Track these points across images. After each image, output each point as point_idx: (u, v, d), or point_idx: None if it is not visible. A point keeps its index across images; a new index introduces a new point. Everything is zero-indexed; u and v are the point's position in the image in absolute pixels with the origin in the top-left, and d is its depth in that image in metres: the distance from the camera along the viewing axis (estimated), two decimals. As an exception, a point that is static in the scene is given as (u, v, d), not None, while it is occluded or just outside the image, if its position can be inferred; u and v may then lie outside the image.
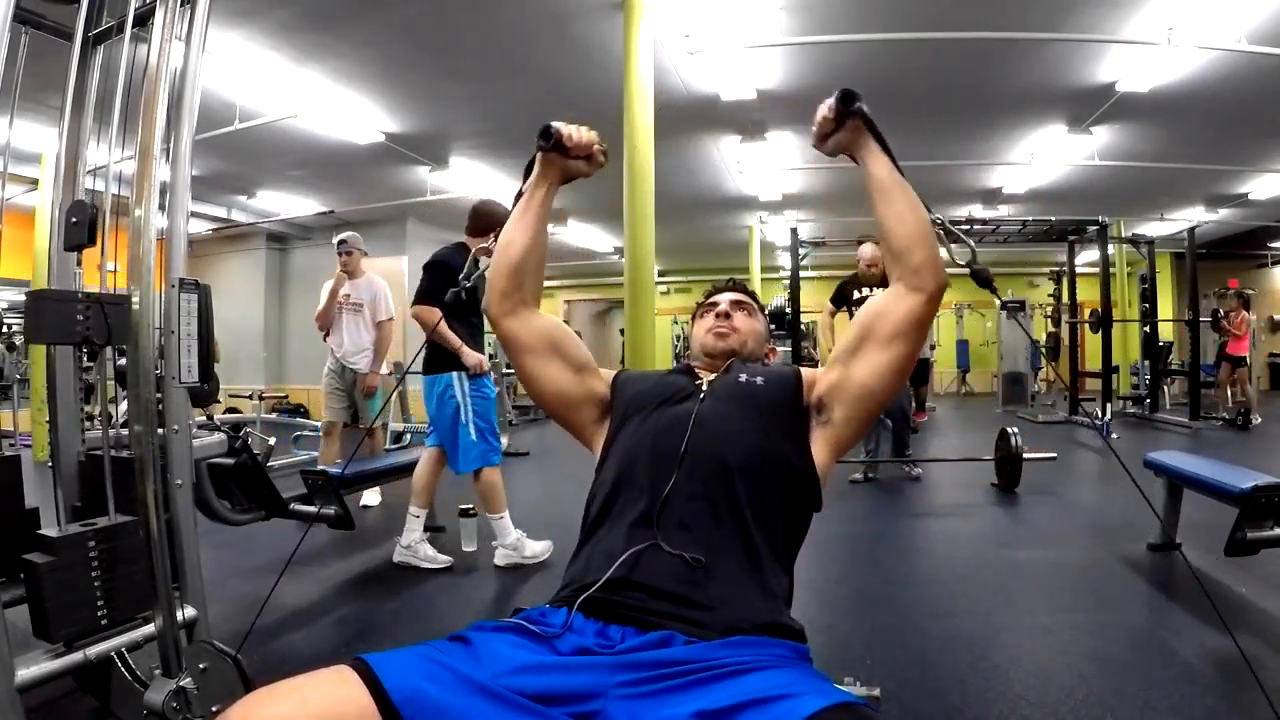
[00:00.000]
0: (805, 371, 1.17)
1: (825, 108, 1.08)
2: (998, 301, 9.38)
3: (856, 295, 4.53)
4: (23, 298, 8.68)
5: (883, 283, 4.35)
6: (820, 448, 1.10)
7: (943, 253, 1.11)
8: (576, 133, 1.16)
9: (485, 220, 2.96)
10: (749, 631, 0.88)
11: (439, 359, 2.93)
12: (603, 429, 1.19)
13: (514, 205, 1.22)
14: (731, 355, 1.26)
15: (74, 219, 1.58)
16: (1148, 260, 8.36)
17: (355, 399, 4.18)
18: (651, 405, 1.14)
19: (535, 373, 1.19)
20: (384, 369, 4.41)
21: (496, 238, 1.31)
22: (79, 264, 1.68)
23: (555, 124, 1.14)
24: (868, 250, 4.56)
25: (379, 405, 4.24)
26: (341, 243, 4.26)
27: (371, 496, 4.13)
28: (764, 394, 1.12)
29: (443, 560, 2.92)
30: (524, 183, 1.22)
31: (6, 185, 1.65)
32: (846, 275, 4.77)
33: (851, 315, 4.55)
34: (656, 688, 0.78)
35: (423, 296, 2.98)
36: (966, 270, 1.19)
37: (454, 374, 2.92)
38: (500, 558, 2.95)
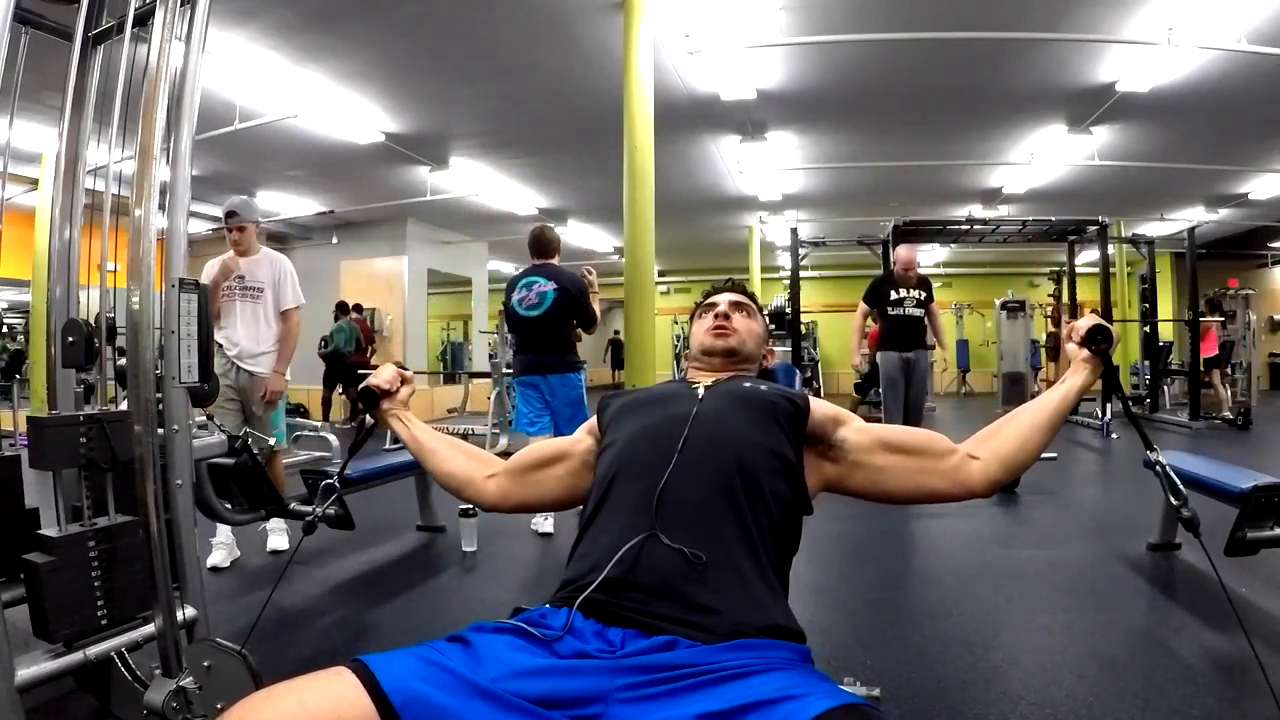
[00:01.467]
0: (819, 401, 1.17)
1: (1083, 324, 1.10)
2: (997, 302, 9.43)
3: (894, 295, 4.52)
4: (23, 298, 8.67)
5: (919, 285, 4.31)
6: (814, 474, 1.12)
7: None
8: (379, 382, 1.32)
9: (551, 246, 3.61)
10: (751, 634, 0.87)
11: (576, 362, 3.59)
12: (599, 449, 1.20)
13: (357, 435, 1.38)
14: (731, 354, 1.26)
15: (70, 339, 1.56)
16: (1148, 260, 8.36)
17: (249, 410, 3.05)
18: (647, 408, 1.14)
19: (548, 498, 1.26)
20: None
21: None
22: (79, 385, 1.69)
23: (368, 384, 1.31)
24: (904, 253, 4.58)
25: (283, 418, 3.39)
26: (230, 215, 3.08)
27: (277, 539, 3.12)
28: (767, 399, 1.12)
29: (546, 527, 3.41)
30: (368, 435, 1.38)
31: (6, 185, 1.65)
32: (878, 275, 4.77)
33: (884, 315, 4.55)
34: (659, 690, 0.78)
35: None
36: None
37: (583, 373, 3.63)
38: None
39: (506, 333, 5.37)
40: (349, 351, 8.30)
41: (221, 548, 2.87)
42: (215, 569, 2.80)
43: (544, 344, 3.49)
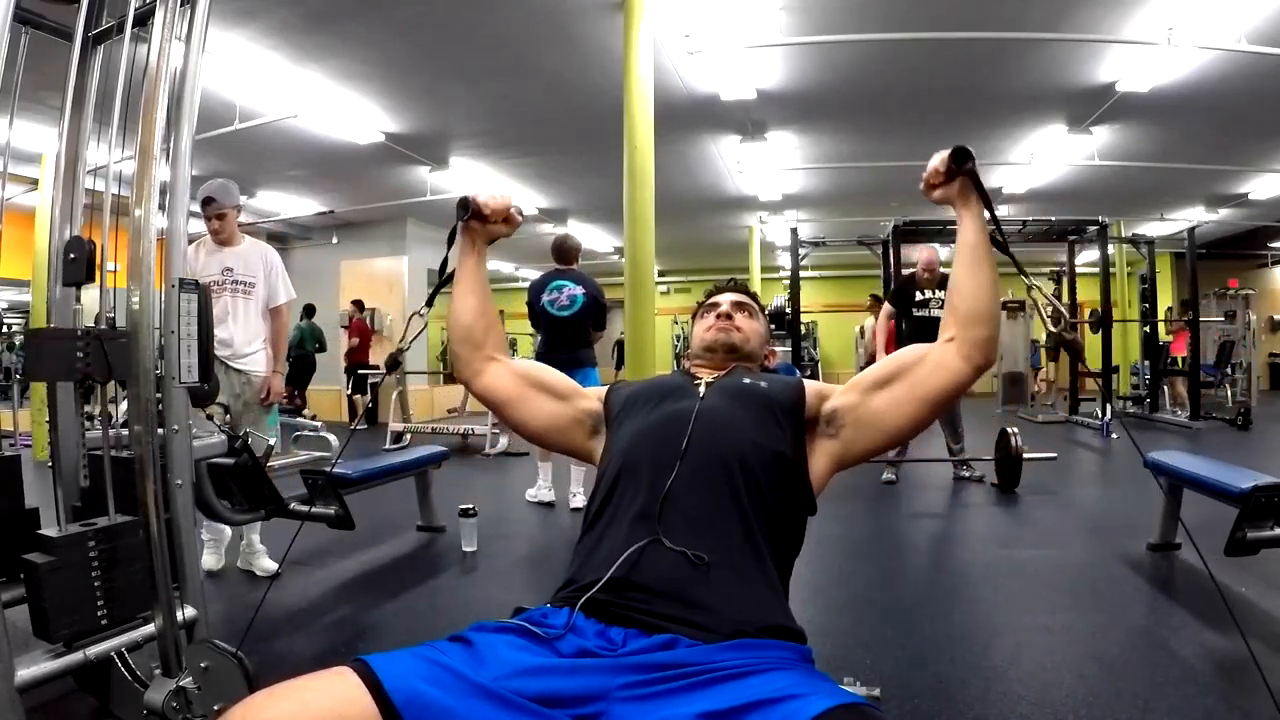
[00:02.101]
0: (810, 383, 1.17)
1: (938, 160, 1.09)
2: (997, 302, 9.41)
3: (919, 297, 4.48)
4: (23, 298, 8.67)
5: (942, 284, 4.26)
6: (821, 459, 1.10)
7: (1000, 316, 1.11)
8: (492, 200, 1.22)
9: (573, 253, 4.02)
10: (753, 634, 0.88)
11: (593, 358, 3.99)
12: (600, 440, 1.20)
13: (442, 274, 1.29)
14: (732, 352, 1.26)
15: (72, 255, 1.57)
16: (1148, 260, 8.37)
17: (238, 411, 2.80)
18: (651, 403, 1.14)
19: (523, 417, 1.23)
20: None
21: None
22: (78, 300, 1.68)
23: (470, 195, 1.21)
24: (925, 254, 4.54)
25: (276, 420, 3.10)
26: (208, 201, 2.77)
27: (265, 561, 2.86)
28: (766, 395, 1.12)
29: (547, 496, 3.95)
30: (449, 251, 1.27)
31: (6, 185, 1.65)
32: (901, 276, 4.73)
33: (908, 318, 4.51)
34: (659, 689, 0.78)
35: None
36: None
37: (595, 368, 3.97)
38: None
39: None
40: (309, 352, 8.83)
41: (213, 550, 2.81)
42: (209, 573, 2.71)
43: (571, 341, 3.87)
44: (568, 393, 1.24)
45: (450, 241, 1.26)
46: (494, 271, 11.95)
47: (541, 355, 3.91)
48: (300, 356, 8.60)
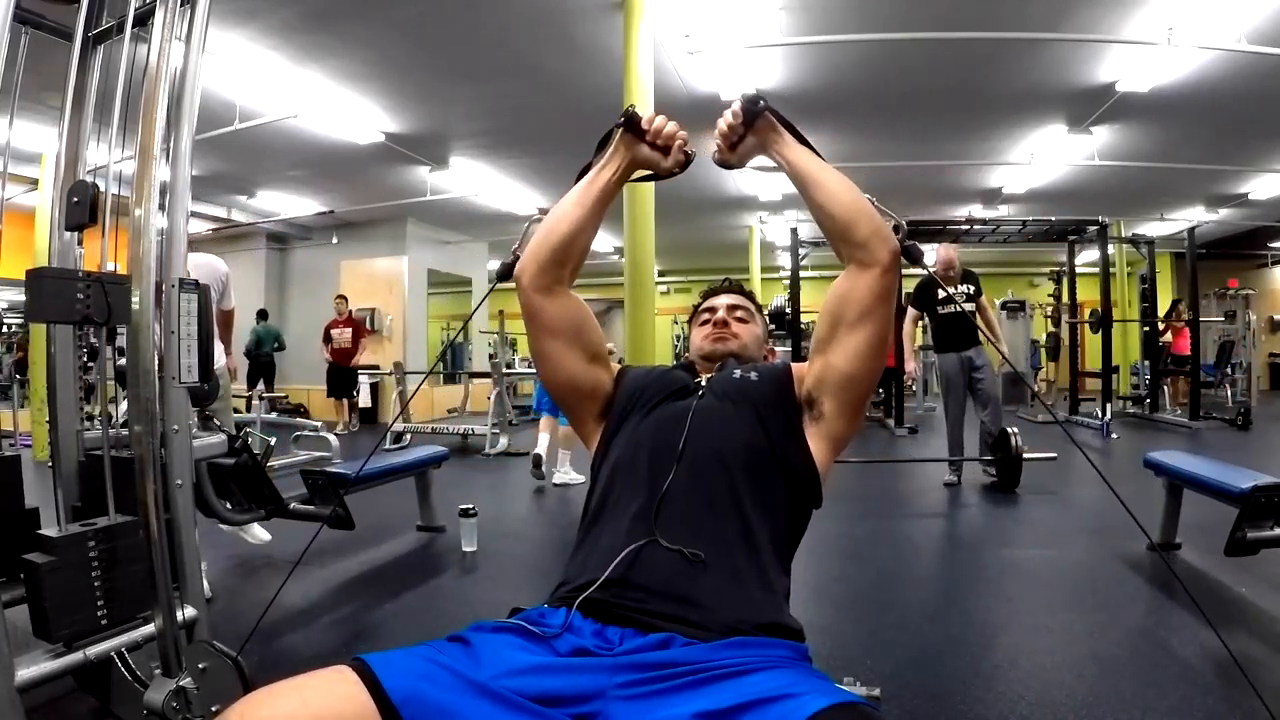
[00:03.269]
0: (796, 365, 1.16)
1: (729, 115, 1.06)
2: (997, 302, 9.41)
3: (942, 295, 4.43)
4: (23, 298, 8.67)
5: (965, 279, 4.19)
6: (817, 444, 1.08)
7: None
8: (660, 121, 1.13)
9: None
10: (749, 632, 0.88)
11: None
12: (601, 425, 1.18)
13: (577, 180, 1.17)
14: (729, 358, 1.25)
15: (75, 198, 1.58)
16: (1148, 260, 8.37)
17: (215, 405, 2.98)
18: (651, 402, 1.13)
19: (553, 354, 1.15)
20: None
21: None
22: (80, 243, 1.68)
23: (639, 113, 1.12)
24: (943, 252, 4.48)
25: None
26: None
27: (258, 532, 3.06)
28: (758, 389, 1.11)
29: (578, 478, 4.53)
30: (595, 156, 1.17)
31: (6, 185, 1.65)
32: (923, 276, 4.69)
33: (933, 316, 4.48)
34: (656, 688, 0.78)
35: None
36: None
37: None
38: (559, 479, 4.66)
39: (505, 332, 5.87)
40: (267, 351, 8.95)
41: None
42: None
43: None
44: (599, 357, 1.18)
45: (600, 146, 1.16)
46: (494, 271, 11.94)
47: None
48: (257, 356, 8.88)
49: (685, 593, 0.90)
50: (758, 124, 1.07)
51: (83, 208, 1.55)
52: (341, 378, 8.22)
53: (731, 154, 1.11)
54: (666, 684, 0.78)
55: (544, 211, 1.18)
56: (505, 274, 1.21)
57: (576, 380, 1.16)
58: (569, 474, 4.67)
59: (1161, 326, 8.46)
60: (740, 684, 0.77)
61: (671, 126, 1.13)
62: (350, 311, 8.49)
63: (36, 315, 1.42)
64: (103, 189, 1.69)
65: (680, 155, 1.15)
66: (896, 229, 1.06)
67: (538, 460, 4.70)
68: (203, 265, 3.05)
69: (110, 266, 1.66)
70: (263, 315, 9.25)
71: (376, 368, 8.71)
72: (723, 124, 1.07)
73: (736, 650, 0.83)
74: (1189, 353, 8.04)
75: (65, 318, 1.49)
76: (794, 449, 1.06)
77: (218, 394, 2.75)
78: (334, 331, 8.22)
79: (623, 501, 1.02)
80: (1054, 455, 4.41)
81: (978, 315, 4.56)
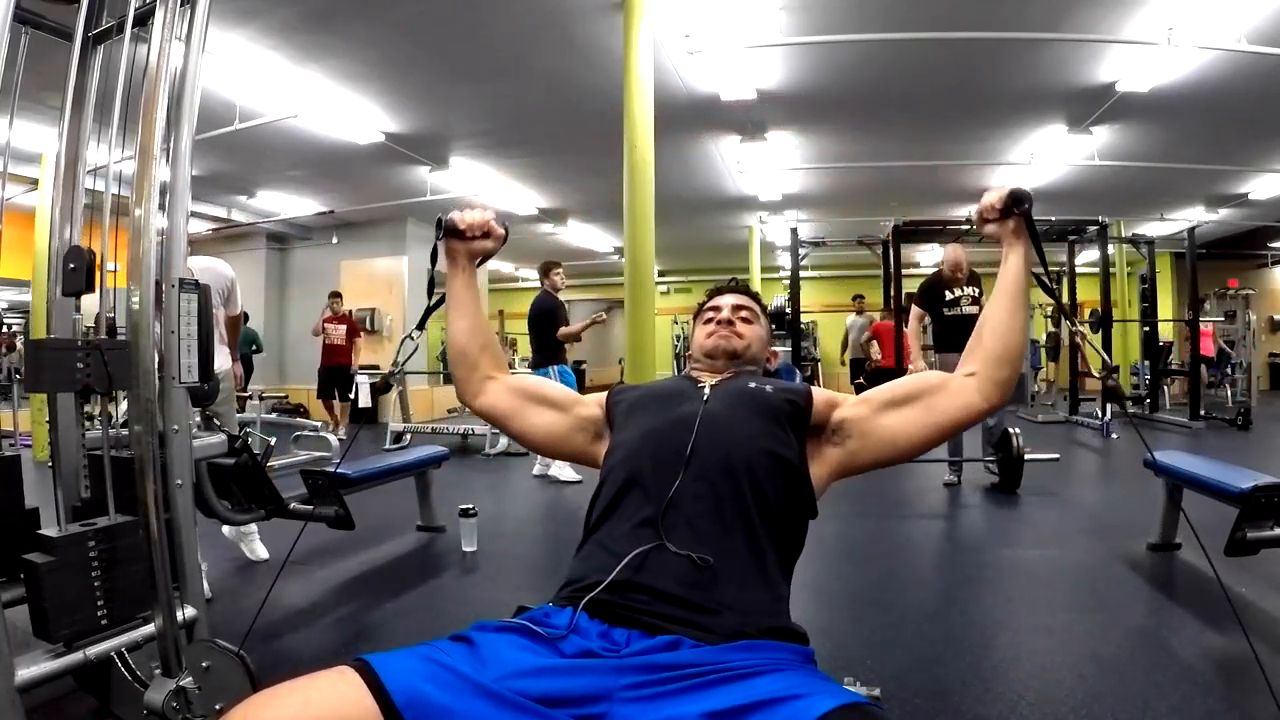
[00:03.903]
0: (818, 390, 1.17)
1: (995, 197, 1.09)
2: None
3: (949, 295, 4.39)
4: (23, 298, 8.67)
5: (971, 281, 4.16)
6: (824, 465, 1.11)
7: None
8: (469, 216, 1.20)
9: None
10: (755, 636, 0.88)
11: (545, 359, 4.82)
12: (603, 444, 1.19)
13: (430, 293, 1.27)
14: (733, 357, 1.25)
15: (72, 265, 1.57)
16: (1148, 260, 8.36)
17: (218, 405, 2.94)
18: (654, 407, 1.14)
19: (524, 429, 1.24)
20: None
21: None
22: (78, 310, 1.67)
23: (446, 215, 1.19)
24: (951, 253, 4.44)
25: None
26: None
27: (258, 547, 3.02)
28: (771, 400, 1.12)
29: (573, 475, 4.63)
30: (431, 269, 1.26)
31: (6, 185, 1.65)
32: (929, 275, 4.67)
33: (938, 317, 4.44)
34: (663, 690, 0.78)
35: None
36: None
37: (552, 367, 4.72)
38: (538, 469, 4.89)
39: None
40: (247, 354, 8.39)
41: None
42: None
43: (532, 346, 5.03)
44: (566, 403, 1.25)
45: (433, 260, 1.24)
46: (494, 271, 11.95)
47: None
48: (241, 358, 8.60)
49: (693, 597, 0.90)
50: (1010, 220, 1.09)
51: (79, 274, 1.55)
52: (334, 379, 7.67)
53: (983, 226, 1.14)
54: (674, 685, 0.78)
55: (413, 332, 1.23)
56: (385, 389, 1.32)
57: (554, 429, 1.23)
58: (564, 469, 4.73)
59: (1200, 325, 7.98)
60: (748, 685, 0.77)
61: (480, 215, 1.21)
62: (348, 311, 8.18)
63: (36, 386, 1.43)
64: (102, 190, 1.69)
65: (499, 232, 1.25)
66: (1104, 368, 1.14)
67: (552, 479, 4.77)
68: (209, 269, 3.02)
69: (110, 267, 1.66)
70: (244, 318, 9.04)
71: (376, 368, 8.70)
72: (985, 201, 1.11)
73: (744, 653, 0.83)
74: (1214, 353, 7.83)
75: (65, 388, 1.50)
76: (797, 460, 1.07)
77: (218, 394, 2.75)
78: (329, 327, 7.79)
79: (629, 504, 1.02)
80: (1056, 456, 4.41)
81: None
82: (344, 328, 7.82)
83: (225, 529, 2.91)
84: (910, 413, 1.08)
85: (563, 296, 5.29)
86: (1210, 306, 8.11)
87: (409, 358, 1.22)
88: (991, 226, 1.12)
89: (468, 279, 1.26)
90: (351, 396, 7.74)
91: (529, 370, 4.74)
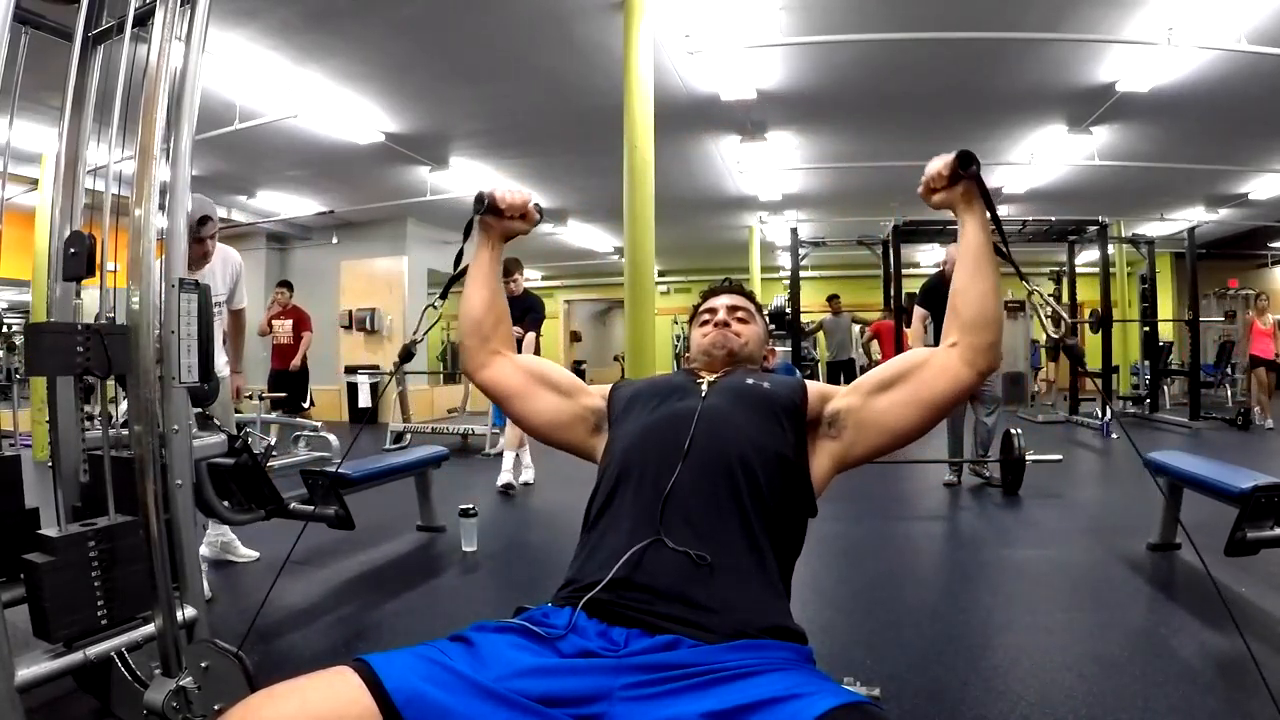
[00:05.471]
0: (813, 384, 1.17)
1: (941, 163, 1.09)
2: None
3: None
4: (24, 298, 8.68)
5: None
6: (823, 459, 1.10)
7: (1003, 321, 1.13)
8: (510, 195, 1.22)
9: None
10: (755, 635, 0.88)
11: None
12: (601, 438, 1.19)
13: (456, 266, 1.29)
14: (731, 357, 1.26)
15: (73, 250, 1.57)
16: (1148, 260, 8.36)
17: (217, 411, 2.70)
18: (653, 403, 1.14)
19: (526, 411, 1.24)
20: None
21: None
22: (78, 295, 1.68)
23: (487, 190, 1.21)
24: (955, 252, 4.45)
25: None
26: (205, 220, 2.51)
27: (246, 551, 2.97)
28: (768, 396, 1.12)
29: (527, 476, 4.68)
30: (464, 243, 1.28)
31: (6, 185, 1.65)
32: (932, 276, 4.65)
33: (940, 318, 4.46)
34: (662, 689, 0.78)
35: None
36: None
37: None
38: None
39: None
40: None
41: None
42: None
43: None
44: (572, 389, 1.24)
45: (466, 234, 1.26)
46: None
47: None
48: None
49: (691, 595, 0.90)
50: (960, 184, 1.09)
51: (80, 260, 1.55)
52: (282, 383, 6.62)
53: (930, 196, 1.14)
54: (672, 685, 0.78)
55: (432, 300, 1.30)
56: (406, 357, 1.31)
57: (557, 417, 1.22)
58: (529, 472, 4.73)
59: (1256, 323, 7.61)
60: (748, 685, 0.77)
61: (520, 196, 1.23)
62: (292, 303, 6.91)
63: (36, 370, 1.42)
64: (102, 190, 1.69)
65: (535, 215, 1.27)
66: (1057, 322, 1.13)
67: (508, 487, 4.48)
68: (216, 255, 2.79)
69: (110, 267, 1.66)
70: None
71: (377, 368, 8.70)
72: (931, 169, 1.11)
73: (743, 652, 0.83)
74: (1272, 355, 7.33)
75: (64, 371, 1.49)
76: (796, 458, 1.07)
77: (217, 395, 2.74)
78: (275, 323, 6.76)
79: (627, 501, 1.01)
80: (1059, 458, 4.40)
81: None
82: (290, 322, 6.75)
83: (203, 549, 2.83)
84: (900, 394, 1.08)
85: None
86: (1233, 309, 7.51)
87: (431, 326, 1.25)
88: (940, 195, 1.11)
89: (494, 255, 1.26)
90: (307, 405, 6.89)
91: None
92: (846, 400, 1.12)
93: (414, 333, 1.28)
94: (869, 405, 1.09)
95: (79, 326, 1.47)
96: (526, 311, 4.50)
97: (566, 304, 15.32)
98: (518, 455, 4.61)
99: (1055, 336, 1.18)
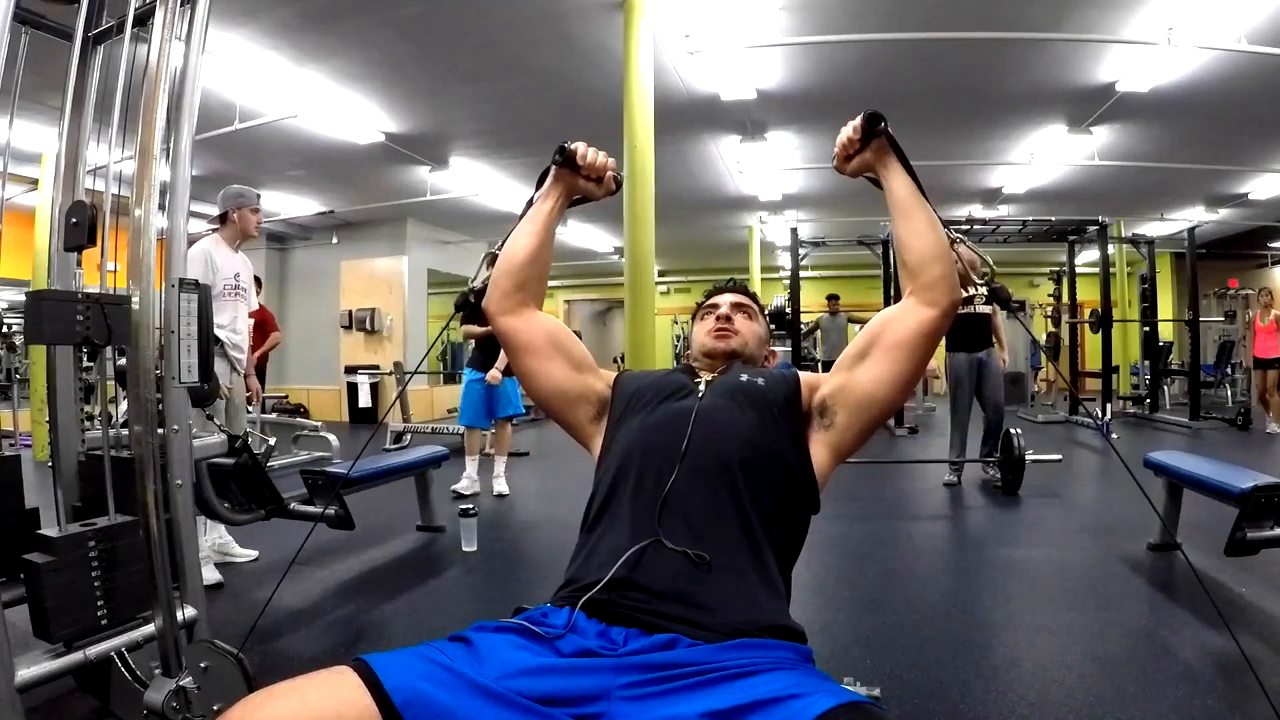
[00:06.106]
0: (805, 375, 1.17)
1: (850, 129, 1.09)
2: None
3: (964, 294, 4.43)
4: (23, 298, 8.69)
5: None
6: (821, 451, 1.09)
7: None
8: (592, 154, 1.21)
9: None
10: (753, 634, 0.88)
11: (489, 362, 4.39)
12: (600, 428, 1.19)
13: (523, 212, 1.26)
14: (732, 356, 1.26)
15: (74, 220, 1.58)
16: (1148, 260, 8.37)
17: (233, 408, 2.96)
18: (652, 402, 1.14)
19: (535, 370, 1.20)
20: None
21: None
22: (79, 264, 1.68)
23: (572, 143, 1.20)
24: (966, 251, 4.44)
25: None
26: (242, 195, 3.09)
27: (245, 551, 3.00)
28: (764, 393, 1.11)
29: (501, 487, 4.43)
30: (536, 192, 1.26)
31: (6, 185, 1.65)
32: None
33: (957, 315, 4.49)
34: (661, 689, 0.78)
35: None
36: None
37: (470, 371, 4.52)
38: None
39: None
40: None
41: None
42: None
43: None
44: (583, 364, 1.22)
45: (539, 182, 1.25)
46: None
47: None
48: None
49: (690, 594, 0.90)
50: (873, 143, 1.10)
51: (81, 229, 1.55)
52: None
53: (846, 165, 1.15)
54: (672, 684, 0.78)
55: (494, 245, 1.27)
56: (463, 305, 1.28)
57: (564, 389, 1.20)
58: (500, 481, 4.48)
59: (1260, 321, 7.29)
60: (747, 684, 0.77)
61: (603, 159, 1.22)
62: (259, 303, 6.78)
63: (36, 337, 1.42)
64: (102, 190, 1.69)
65: (611, 184, 1.25)
66: (991, 282, 1.20)
67: (458, 495, 4.31)
68: (244, 261, 3.08)
69: (110, 266, 1.66)
70: None
71: (376, 368, 8.70)
72: (842, 137, 1.11)
73: (742, 651, 0.83)
74: (1276, 354, 7.00)
75: (65, 339, 1.49)
76: (796, 454, 1.07)
77: (217, 395, 2.75)
78: None
79: (625, 501, 1.01)
80: (1059, 457, 4.40)
81: (994, 317, 4.58)
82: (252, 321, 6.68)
83: (215, 557, 2.87)
84: (877, 361, 1.07)
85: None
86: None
87: (489, 274, 1.23)
88: (855, 161, 1.12)
89: (557, 207, 1.24)
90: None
91: (472, 369, 4.48)
92: (831, 382, 1.11)
93: (471, 280, 1.26)
94: (852, 379, 1.09)
95: (79, 295, 1.48)
96: None
97: (567, 304, 15.34)
98: (494, 462, 4.55)
99: (981, 282, 1.20)
